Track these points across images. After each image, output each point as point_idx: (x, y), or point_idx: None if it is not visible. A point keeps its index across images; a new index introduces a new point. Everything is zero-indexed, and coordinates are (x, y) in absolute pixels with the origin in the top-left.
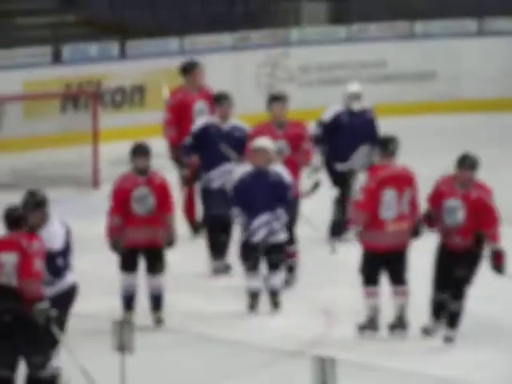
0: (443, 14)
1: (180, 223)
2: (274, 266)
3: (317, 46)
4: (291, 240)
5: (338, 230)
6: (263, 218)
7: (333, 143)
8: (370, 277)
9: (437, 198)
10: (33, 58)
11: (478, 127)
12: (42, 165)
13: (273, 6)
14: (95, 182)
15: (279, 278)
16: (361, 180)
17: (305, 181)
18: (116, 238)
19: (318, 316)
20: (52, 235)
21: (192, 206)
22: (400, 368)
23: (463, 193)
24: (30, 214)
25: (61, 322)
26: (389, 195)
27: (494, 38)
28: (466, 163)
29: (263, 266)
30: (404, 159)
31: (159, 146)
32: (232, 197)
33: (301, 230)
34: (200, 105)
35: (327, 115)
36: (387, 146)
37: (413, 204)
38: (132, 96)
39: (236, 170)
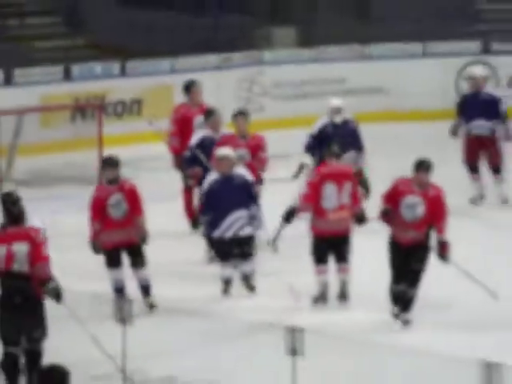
0: (393, 38)
1: (181, 219)
2: (245, 256)
3: (287, 66)
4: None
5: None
6: (235, 215)
7: (321, 152)
8: (319, 257)
9: (394, 196)
10: (47, 76)
11: (421, 132)
12: (54, 166)
13: (250, 32)
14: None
15: (250, 265)
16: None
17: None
18: (97, 241)
19: (287, 294)
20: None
21: (191, 206)
22: (362, 339)
23: (422, 191)
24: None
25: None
26: (329, 188)
27: (434, 59)
28: (423, 166)
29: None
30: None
31: (155, 150)
32: (203, 203)
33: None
34: (199, 119)
35: (315, 128)
36: (331, 148)
37: (354, 196)
38: (131, 107)
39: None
